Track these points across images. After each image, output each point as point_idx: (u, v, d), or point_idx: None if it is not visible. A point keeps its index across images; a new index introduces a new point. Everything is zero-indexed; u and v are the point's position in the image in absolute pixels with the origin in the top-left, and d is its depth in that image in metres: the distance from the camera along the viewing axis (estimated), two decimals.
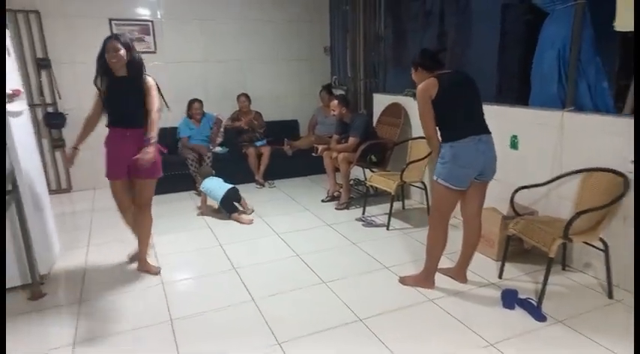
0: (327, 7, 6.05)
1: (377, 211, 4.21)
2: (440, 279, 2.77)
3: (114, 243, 3.56)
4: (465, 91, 2.44)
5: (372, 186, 4.07)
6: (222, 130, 5.44)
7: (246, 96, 5.43)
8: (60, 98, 4.91)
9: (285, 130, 5.91)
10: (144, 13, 5.20)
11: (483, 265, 2.99)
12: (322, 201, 4.58)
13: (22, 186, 2.65)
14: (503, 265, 2.83)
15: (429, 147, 2.67)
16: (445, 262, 2.88)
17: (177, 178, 5.01)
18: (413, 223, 3.90)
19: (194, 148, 5.05)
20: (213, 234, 3.77)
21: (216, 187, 4.15)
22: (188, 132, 5.16)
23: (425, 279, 2.72)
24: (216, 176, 4.34)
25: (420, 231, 3.69)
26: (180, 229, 3.91)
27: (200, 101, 5.20)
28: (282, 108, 6.08)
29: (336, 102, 4.30)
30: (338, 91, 5.92)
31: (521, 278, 2.82)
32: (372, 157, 4.32)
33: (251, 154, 5.26)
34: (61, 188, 5.10)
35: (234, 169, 5.25)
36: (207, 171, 4.45)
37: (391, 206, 3.78)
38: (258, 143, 5.42)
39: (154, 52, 5.25)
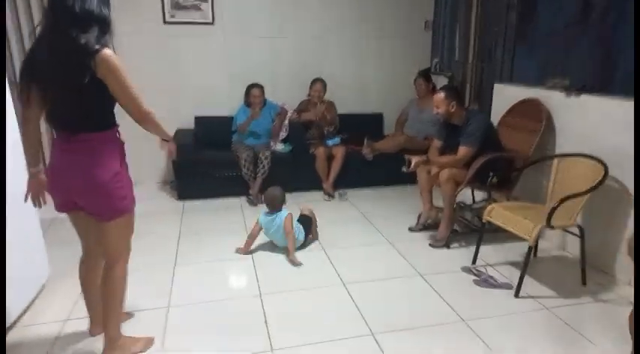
0: None
1: (492, 256, 2.85)
2: None
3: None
4: None
5: (489, 222, 2.69)
6: (286, 122, 4.34)
7: (323, 83, 4.26)
8: None
9: (365, 125, 4.65)
10: None
11: None
12: (410, 230, 3.31)
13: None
14: None
15: None
16: None
17: (227, 180, 4.02)
18: (552, 286, 2.50)
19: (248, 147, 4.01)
20: (254, 271, 2.68)
21: (278, 234, 2.89)
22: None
23: None
24: (282, 209, 2.96)
25: (569, 304, 2.31)
26: (210, 256, 2.87)
27: (260, 87, 4.12)
28: (365, 98, 4.83)
29: (442, 95, 2.96)
30: (440, 80, 4.54)
31: None
32: (492, 175, 2.95)
33: (320, 155, 4.11)
34: None
35: (297, 172, 4.14)
36: (273, 196, 2.94)
37: (527, 263, 2.40)
38: (330, 142, 4.24)
39: (211, 24, 4.25)
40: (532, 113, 3.07)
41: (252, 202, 3.89)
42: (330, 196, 4.07)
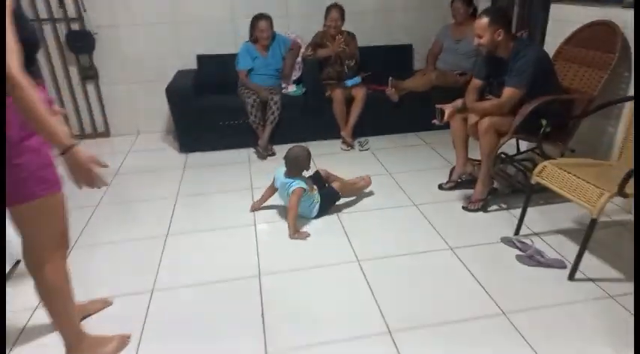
0: None
1: (539, 222, 2.37)
2: None
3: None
4: None
5: (538, 182, 2.15)
6: (299, 59, 3.77)
7: (340, 10, 3.59)
8: (85, 11, 3.59)
9: (390, 61, 4.01)
10: None
11: None
12: (441, 187, 2.83)
13: None
14: None
15: None
16: None
17: (232, 129, 3.58)
18: (618, 265, 2.02)
19: (256, 90, 3.49)
20: (256, 244, 2.31)
21: (303, 201, 2.43)
22: (250, 63, 3.58)
23: None
24: (306, 176, 2.53)
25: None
26: (207, 224, 2.52)
27: (268, 18, 3.50)
28: (390, 27, 4.13)
29: (485, 20, 2.30)
30: (481, 2, 3.78)
31: None
32: (545, 123, 2.38)
33: (338, 98, 3.57)
34: (97, 132, 4.00)
35: (312, 119, 3.65)
36: (295, 157, 2.44)
37: (587, 238, 1.90)
38: (350, 82, 3.66)
39: None
40: (601, 41, 2.42)
41: (261, 155, 3.46)
42: (350, 145, 3.58)
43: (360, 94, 3.60)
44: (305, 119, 3.63)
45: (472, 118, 2.46)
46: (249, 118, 3.46)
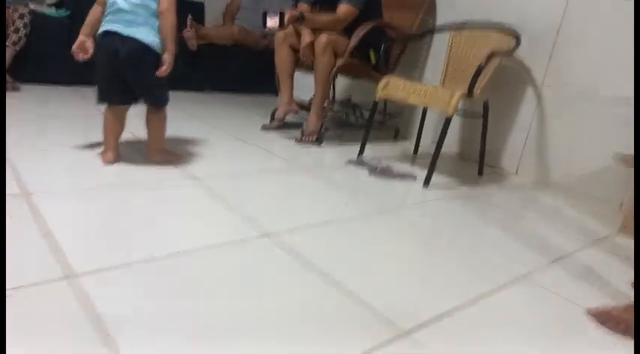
0: None
1: (376, 153, 2.25)
2: None
3: None
4: None
5: (385, 96, 2.01)
6: None
7: None
8: None
9: (180, 20, 3.44)
10: None
11: None
12: (265, 128, 2.44)
13: None
14: None
15: None
16: None
17: None
18: (455, 178, 2.05)
19: None
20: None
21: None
22: None
23: None
24: None
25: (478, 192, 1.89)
26: None
27: None
28: None
29: None
30: None
31: None
32: (372, 53, 2.32)
33: None
34: None
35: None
36: None
37: (442, 138, 1.82)
38: None
39: None
40: None
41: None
42: None
43: None
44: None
45: (307, 37, 2.19)
46: None
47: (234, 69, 3.35)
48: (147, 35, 1.43)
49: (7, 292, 0.78)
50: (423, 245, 1.31)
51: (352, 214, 1.44)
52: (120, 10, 1.42)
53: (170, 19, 1.45)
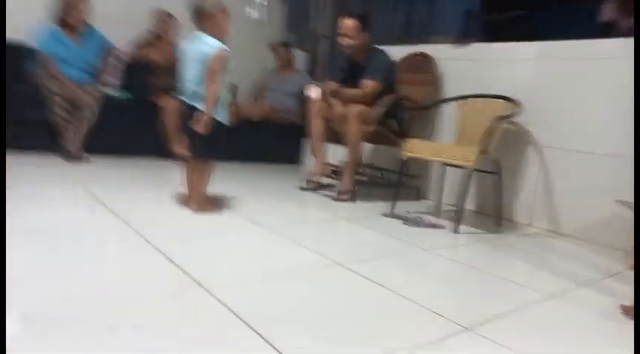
0: None
1: (404, 208, 2.51)
2: None
3: None
4: None
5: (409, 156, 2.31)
6: (117, 63, 3.24)
7: (169, 16, 3.34)
8: None
9: None
10: None
11: None
12: (303, 189, 2.73)
13: None
14: None
15: None
16: None
17: (28, 128, 2.66)
18: (477, 228, 2.30)
19: (69, 87, 2.77)
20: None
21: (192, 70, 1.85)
22: (60, 49, 2.84)
23: None
24: None
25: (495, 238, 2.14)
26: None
27: None
28: None
29: (357, 24, 2.52)
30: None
31: None
32: (392, 121, 2.68)
33: (170, 108, 3.15)
34: None
35: (139, 129, 3.10)
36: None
37: (466, 189, 2.11)
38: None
39: None
40: (421, 66, 2.97)
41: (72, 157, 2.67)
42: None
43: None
44: (130, 127, 3.04)
45: (339, 108, 2.55)
46: (54, 116, 2.67)
47: (265, 140, 3.69)
48: None
49: None
50: (468, 268, 1.54)
51: (406, 250, 1.69)
52: None
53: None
